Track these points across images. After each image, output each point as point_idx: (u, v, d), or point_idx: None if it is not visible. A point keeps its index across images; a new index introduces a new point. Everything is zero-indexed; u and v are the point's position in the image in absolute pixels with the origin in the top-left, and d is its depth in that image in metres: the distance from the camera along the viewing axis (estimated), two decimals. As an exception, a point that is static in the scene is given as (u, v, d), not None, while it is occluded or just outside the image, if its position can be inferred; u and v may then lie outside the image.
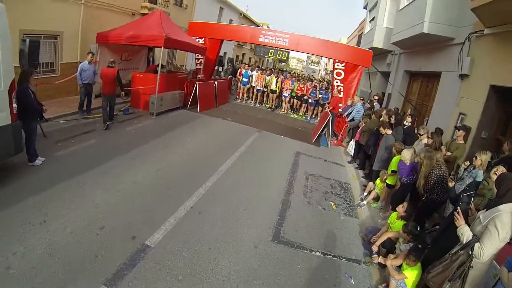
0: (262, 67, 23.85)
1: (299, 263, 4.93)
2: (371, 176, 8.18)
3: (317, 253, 5.27)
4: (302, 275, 4.67)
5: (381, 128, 7.89)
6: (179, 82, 13.94)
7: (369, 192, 7.50)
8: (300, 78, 19.61)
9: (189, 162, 7.91)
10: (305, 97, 16.56)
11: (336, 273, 4.88)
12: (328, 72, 35.53)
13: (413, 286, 4.24)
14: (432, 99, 11.01)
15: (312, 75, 34.30)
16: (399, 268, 4.50)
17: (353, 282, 4.76)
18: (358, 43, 23.17)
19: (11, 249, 3.98)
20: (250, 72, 17.67)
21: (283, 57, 16.01)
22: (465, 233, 3.52)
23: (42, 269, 3.79)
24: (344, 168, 9.97)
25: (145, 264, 4.19)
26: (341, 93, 13.89)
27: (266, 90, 17.63)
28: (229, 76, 21.10)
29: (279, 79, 17.29)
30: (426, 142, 7.24)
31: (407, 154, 6.30)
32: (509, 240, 4.73)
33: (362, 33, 22.54)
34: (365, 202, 7.40)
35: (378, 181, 7.32)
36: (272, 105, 17.78)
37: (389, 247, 5.14)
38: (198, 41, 16.04)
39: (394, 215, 5.53)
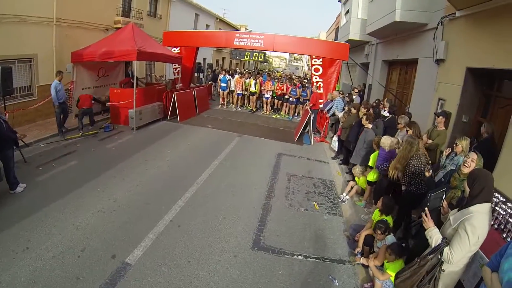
0: (242, 70, 23.66)
1: (280, 269, 4.79)
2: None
3: (299, 257, 5.11)
4: (284, 281, 4.53)
5: (364, 120, 7.67)
6: (157, 94, 13.80)
7: (351, 188, 7.32)
8: (279, 78, 19.37)
9: (169, 175, 7.78)
10: (285, 96, 16.33)
11: (319, 276, 4.73)
12: (311, 67, 35.54)
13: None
14: (411, 87, 10.86)
15: (293, 73, 34.07)
16: (382, 267, 4.34)
17: (337, 284, 4.60)
18: (336, 37, 23.08)
19: (-4, 278, 3.95)
20: (229, 76, 17.48)
21: (259, 59, 15.76)
22: (433, 236, 3.25)
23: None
24: (328, 165, 9.75)
25: (126, 282, 4.16)
26: (321, 88, 13.70)
27: (246, 93, 17.41)
28: (209, 82, 20.88)
29: (258, 80, 17.10)
30: (406, 133, 7.04)
31: (386, 140, 6.17)
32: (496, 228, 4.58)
33: (338, 27, 22.44)
34: (347, 196, 7.23)
35: (356, 178, 7.14)
36: (253, 107, 17.57)
37: (371, 244, 4.97)
38: (174, 50, 15.88)
39: (377, 211, 5.31)
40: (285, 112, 16.80)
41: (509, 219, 4.37)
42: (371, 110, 8.36)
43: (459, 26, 7.84)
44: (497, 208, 4.64)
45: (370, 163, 6.73)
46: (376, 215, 5.21)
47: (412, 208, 5.59)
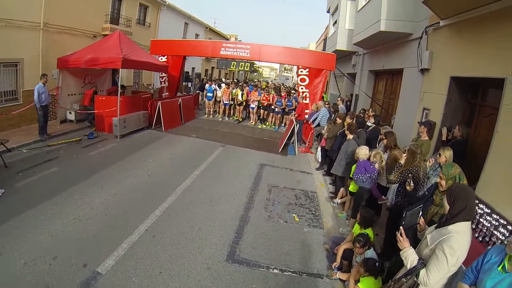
0: (230, 80, 23.57)
1: (254, 282, 4.61)
2: (336, 181, 7.78)
3: (275, 270, 4.91)
4: (257, 296, 4.32)
5: (346, 132, 7.51)
6: (143, 102, 13.69)
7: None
8: (265, 88, 19.21)
9: (148, 184, 7.59)
10: (272, 107, 16.15)
11: (295, 291, 4.48)
12: (297, 77, 35.60)
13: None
14: (397, 97, 10.77)
15: (283, 84, 34.07)
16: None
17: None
18: (324, 48, 23.12)
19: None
20: (214, 86, 17.33)
21: (245, 68, 15.60)
22: (409, 257, 2.97)
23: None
24: (311, 176, 9.53)
25: (95, 292, 4.06)
26: (307, 99, 13.56)
27: (233, 102, 17.22)
28: (197, 92, 20.69)
29: (245, 90, 16.93)
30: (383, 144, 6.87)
31: (361, 150, 6.02)
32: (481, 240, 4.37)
33: (327, 37, 22.47)
34: (338, 200, 7.12)
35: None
36: (239, 117, 17.36)
37: (350, 259, 4.72)
38: (161, 59, 15.75)
39: (357, 224, 5.08)
40: (271, 122, 16.59)
41: (493, 231, 4.18)
42: (354, 120, 8.19)
43: (443, 35, 7.75)
44: (481, 220, 4.45)
45: (351, 174, 6.51)
46: (357, 228, 4.99)
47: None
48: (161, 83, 16.91)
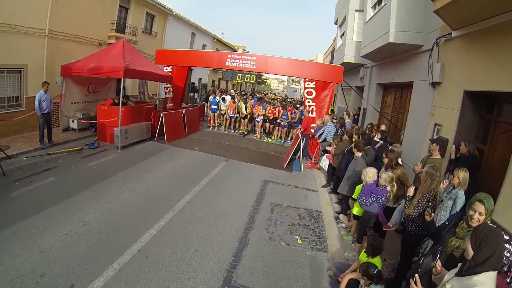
0: (236, 92, 23.36)
1: None
2: (343, 200, 7.38)
3: None
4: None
5: (354, 149, 7.12)
6: (146, 113, 13.50)
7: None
8: (271, 101, 18.90)
9: (145, 199, 7.31)
10: (277, 120, 15.83)
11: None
12: (304, 90, 35.45)
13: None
14: (406, 111, 10.33)
15: (286, 96, 33.83)
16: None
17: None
18: (332, 60, 22.84)
19: None
20: (219, 98, 17.10)
21: (251, 80, 15.31)
22: None
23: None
24: (317, 194, 9.13)
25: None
26: (314, 112, 13.21)
27: (238, 116, 16.94)
28: (203, 103, 20.50)
29: (249, 103, 16.69)
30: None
31: (369, 172, 5.55)
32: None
33: (334, 49, 22.20)
34: (344, 225, 6.71)
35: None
36: (244, 130, 17.05)
37: (355, 290, 4.28)
38: (166, 69, 15.58)
39: (363, 252, 4.67)
40: (277, 136, 16.25)
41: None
42: (359, 137, 7.81)
43: (455, 47, 7.35)
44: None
45: (354, 195, 6.10)
46: (363, 256, 4.57)
47: (412, 251, 4.90)
48: (165, 94, 16.74)
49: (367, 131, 9.77)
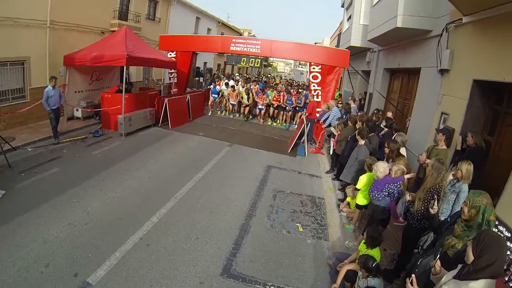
0: (241, 76, 23.13)
1: None
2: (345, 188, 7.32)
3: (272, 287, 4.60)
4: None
5: (357, 137, 7.01)
6: (150, 99, 13.46)
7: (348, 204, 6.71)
8: (275, 86, 18.62)
9: (148, 187, 7.34)
10: (282, 105, 15.65)
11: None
12: (309, 74, 35.11)
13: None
14: (413, 98, 10.15)
15: (293, 80, 33.45)
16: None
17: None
18: (338, 43, 22.47)
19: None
20: (220, 88, 16.90)
21: (256, 65, 15.13)
22: None
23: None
24: (320, 180, 9.08)
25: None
26: (319, 97, 13.05)
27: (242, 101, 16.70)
28: (208, 87, 20.37)
29: (253, 89, 16.51)
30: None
31: (379, 167, 5.39)
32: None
33: (340, 33, 21.82)
34: (344, 213, 6.70)
35: (349, 198, 6.47)
36: (247, 115, 16.69)
37: (353, 281, 4.24)
38: (170, 54, 15.47)
39: (362, 242, 4.60)
40: (282, 120, 16.10)
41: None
42: (364, 124, 7.68)
43: (465, 33, 7.12)
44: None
45: (357, 185, 6.00)
46: (363, 247, 4.52)
47: (414, 244, 4.83)
48: (170, 79, 16.64)
49: (373, 118, 9.60)
